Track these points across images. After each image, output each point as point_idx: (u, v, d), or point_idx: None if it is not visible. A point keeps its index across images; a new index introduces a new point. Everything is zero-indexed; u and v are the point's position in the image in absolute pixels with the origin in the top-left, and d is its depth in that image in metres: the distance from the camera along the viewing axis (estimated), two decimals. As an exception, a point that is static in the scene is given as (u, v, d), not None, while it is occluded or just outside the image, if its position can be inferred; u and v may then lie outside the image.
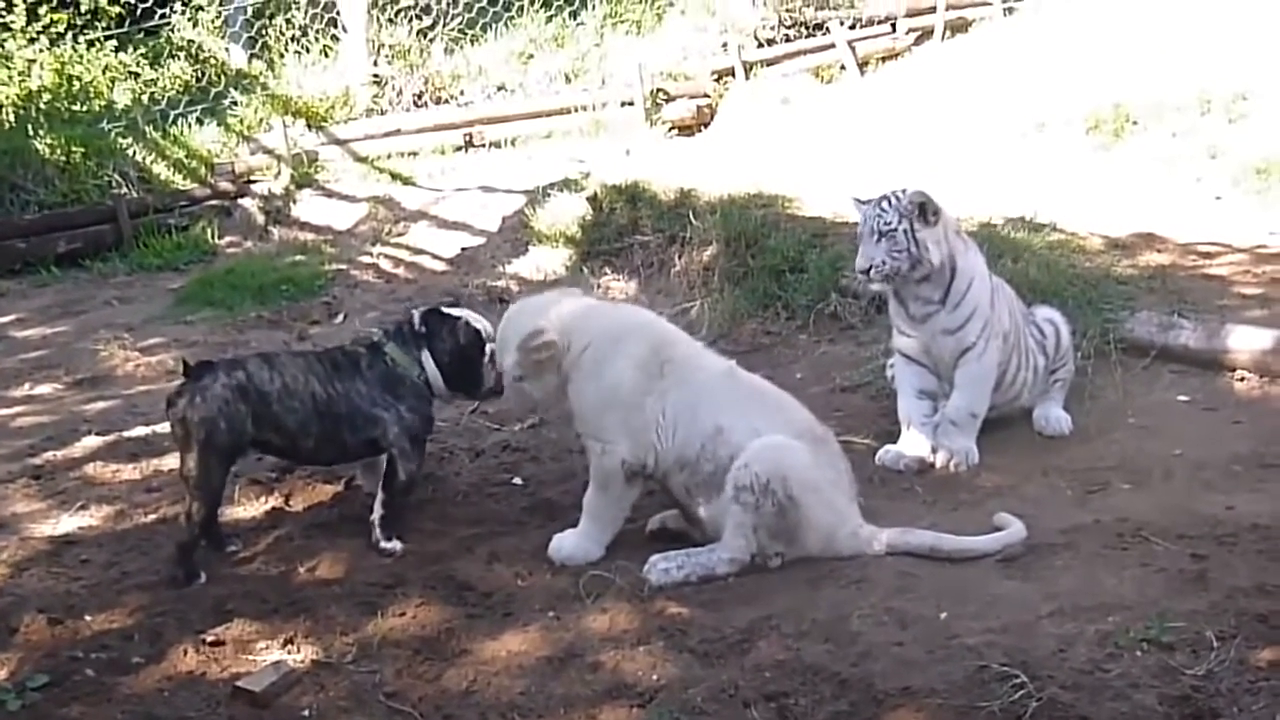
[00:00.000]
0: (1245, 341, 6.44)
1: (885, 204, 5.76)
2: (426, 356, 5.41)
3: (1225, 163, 9.70)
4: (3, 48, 14.02)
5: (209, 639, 4.55)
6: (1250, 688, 3.74)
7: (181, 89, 14.07)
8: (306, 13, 14.57)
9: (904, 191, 5.79)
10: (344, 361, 5.36)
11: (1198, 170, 9.77)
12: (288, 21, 14.58)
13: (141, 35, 15.03)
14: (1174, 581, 4.44)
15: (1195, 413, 6.19)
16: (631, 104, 13.23)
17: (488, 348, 5.42)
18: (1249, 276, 7.58)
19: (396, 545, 5.22)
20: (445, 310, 5.57)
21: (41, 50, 14.02)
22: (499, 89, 14.09)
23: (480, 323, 5.53)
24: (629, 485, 5.07)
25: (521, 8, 15.25)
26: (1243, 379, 6.39)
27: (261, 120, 13.22)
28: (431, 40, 14.50)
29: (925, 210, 5.73)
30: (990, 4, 15.59)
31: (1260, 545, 4.66)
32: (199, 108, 13.32)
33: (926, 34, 15.35)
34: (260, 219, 12.08)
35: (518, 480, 6.00)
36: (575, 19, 15.13)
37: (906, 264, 5.73)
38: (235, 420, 5.06)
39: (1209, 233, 8.47)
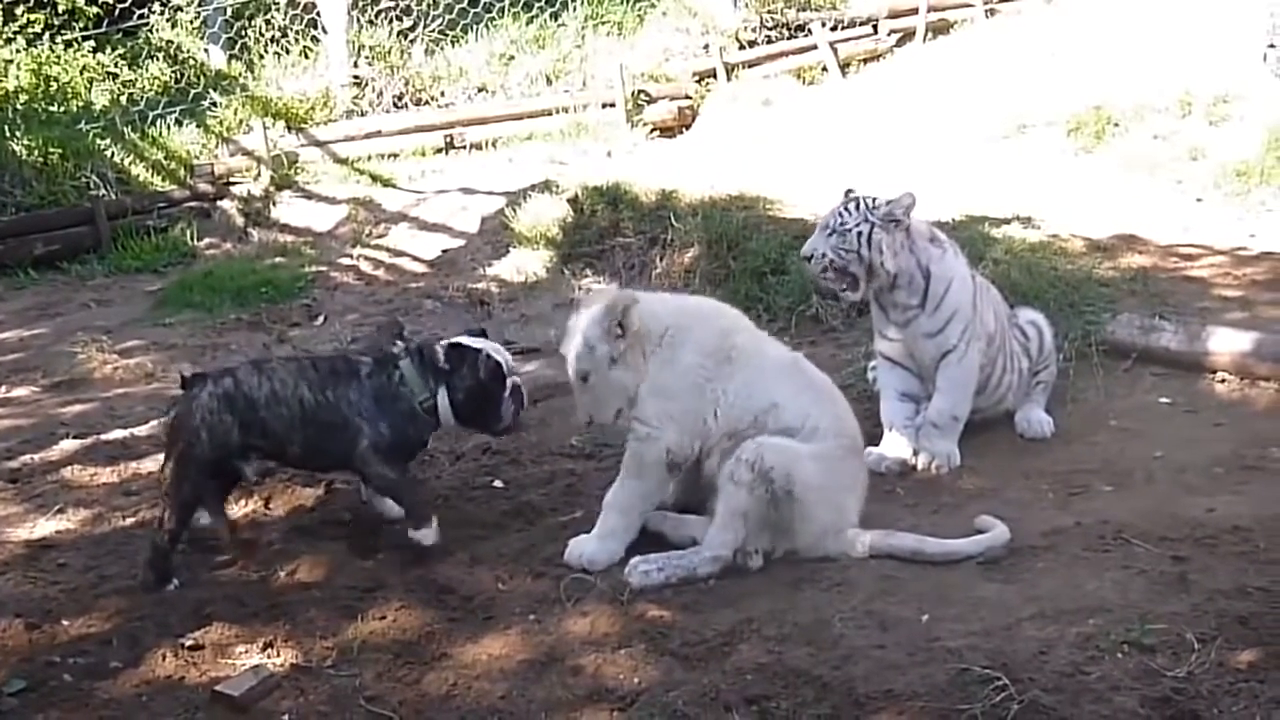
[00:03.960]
0: (1226, 344, 6.46)
1: (852, 205, 5.83)
2: (443, 389, 5.21)
3: (1206, 165, 9.75)
4: (-21, 48, 13.97)
5: (188, 643, 4.52)
6: (1230, 689, 3.76)
7: (160, 90, 13.98)
8: (286, 13, 14.51)
9: (867, 196, 5.86)
10: (343, 368, 5.25)
11: (1179, 172, 9.80)
12: (267, 22, 14.51)
13: (119, 36, 14.93)
14: (1155, 584, 4.45)
15: (1176, 415, 6.20)
16: (613, 105, 13.22)
17: (509, 381, 5.27)
18: (1229, 278, 7.60)
19: (427, 532, 5.10)
20: (468, 343, 5.32)
21: (18, 51, 13.98)
22: (480, 90, 14.05)
23: (502, 355, 5.32)
24: (668, 477, 5.03)
25: (502, 9, 15.23)
26: (1224, 381, 6.41)
27: (241, 121, 13.16)
28: (412, 41, 14.45)
29: (889, 218, 5.76)
30: (972, 5, 15.58)
31: (1241, 547, 4.68)
32: (178, 109, 13.25)
33: (908, 35, 15.35)
34: (240, 221, 12.03)
35: (498, 483, 5.97)
36: (556, 20, 15.10)
37: (856, 265, 5.78)
38: (218, 430, 5.02)
39: (1190, 235, 8.50)
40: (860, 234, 5.74)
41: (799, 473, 4.78)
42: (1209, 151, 9.85)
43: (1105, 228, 8.45)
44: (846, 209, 5.82)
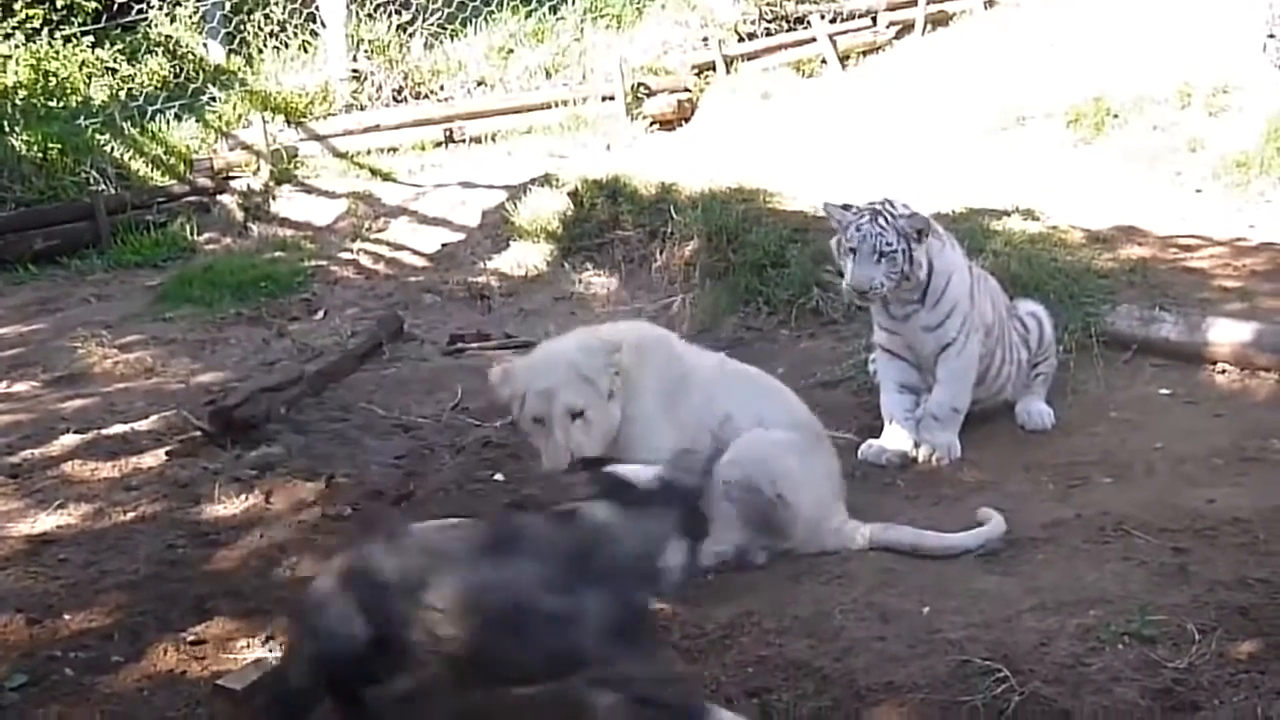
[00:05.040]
0: (1226, 335, 6.46)
1: (883, 221, 5.72)
2: None
3: (1205, 156, 9.73)
4: (-23, 44, 13.94)
5: (189, 638, 4.52)
6: (1231, 680, 3.76)
7: (159, 85, 13.95)
8: (285, 8, 14.46)
9: (895, 206, 5.80)
10: None
11: (1178, 163, 9.79)
12: (266, 17, 14.47)
13: (118, 31, 14.89)
14: (1155, 575, 4.45)
15: (1176, 406, 6.21)
16: (612, 99, 13.19)
17: None
18: (1229, 269, 7.60)
19: None
20: None
21: (17, 46, 13.91)
22: (479, 84, 14.02)
23: None
24: None
25: (501, 2, 15.19)
26: (1224, 372, 6.41)
27: (240, 116, 13.13)
28: (411, 35, 14.41)
29: (923, 234, 5.73)
30: (971, -4, 15.58)
31: (1241, 538, 4.69)
32: (177, 104, 13.22)
33: (907, 27, 15.31)
34: (239, 215, 12.01)
35: (499, 476, 5.97)
36: (555, 14, 15.06)
37: (899, 281, 5.74)
38: None
39: (1189, 226, 8.50)
40: (903, 251, 5.70)
41: (782, 474, 4.79)
42: (1208, 142, 9.84)
43: (1105, 219, 8.44)
44: (881, 226, 5.71)
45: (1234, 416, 5.99)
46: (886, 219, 5.71)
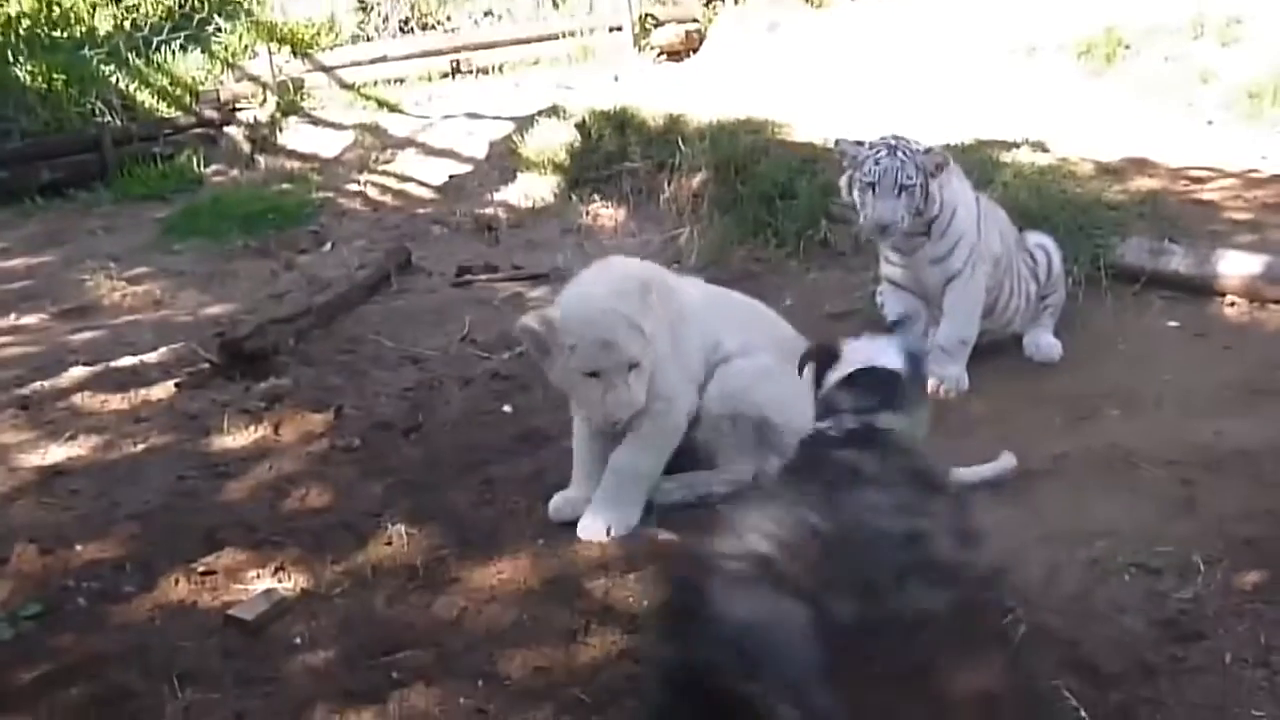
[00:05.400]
0: (1235, 267, 6.43)
1: (902, 155, 5.67)
2: None
3: (1217, 87, 9.65)
4: (-21, -27, 13.86)
5: (200, 568, 4.54)
6: (1235, 610, 3.79)
7: (164, 15, 13.87)
8: (291, -64, 14.38)
9: (912, 142, 5.75)
10: None
11: (1189, 95, 9.71)
12: (271, -55, 14.39)
13: (122, -41, 14.83)
14: (1162, 507, 4.46)
15: (1185, 339, 6.19)
16: (620, 29, 13.10)
17: None
18: (1240, 201, 7.55)
19: None
20: None
21: (20, -25, 13.87)
22: (486, 15, 13.93)
23: None
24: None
25: (509, -68, 15.07)
26: (1233, 304, 6.39)
27: (246, 47, 13.09)
28: (418, -36, 14.33)
29: (940, 168, 5.70)
30: (982, -74, 15.39)
31: (1248, 470, 4.69)
32: (183, 34, 13.17)
33: (917, -43, 15.17)
34: (246, 147, 12.00)
35: (507, 408, 5.97)
36: (563, -57, 14.95)
37: (915, 218, 5.72)
38: None
39: (1200, 157, 8.43)
40: (920, 186, 5.66)
41: (766, 399, 4.81)
42: (1220, 73, 9.75)
43: (1115, 151, 8.38)
44: (901, 160, 5.66)
45: (1242, 349, 5.97)
46: (905, 153, 5.68)
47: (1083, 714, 3.35)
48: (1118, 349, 6.15)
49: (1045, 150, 8.16)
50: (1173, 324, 6.33)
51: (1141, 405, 5.46)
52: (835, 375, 3.55)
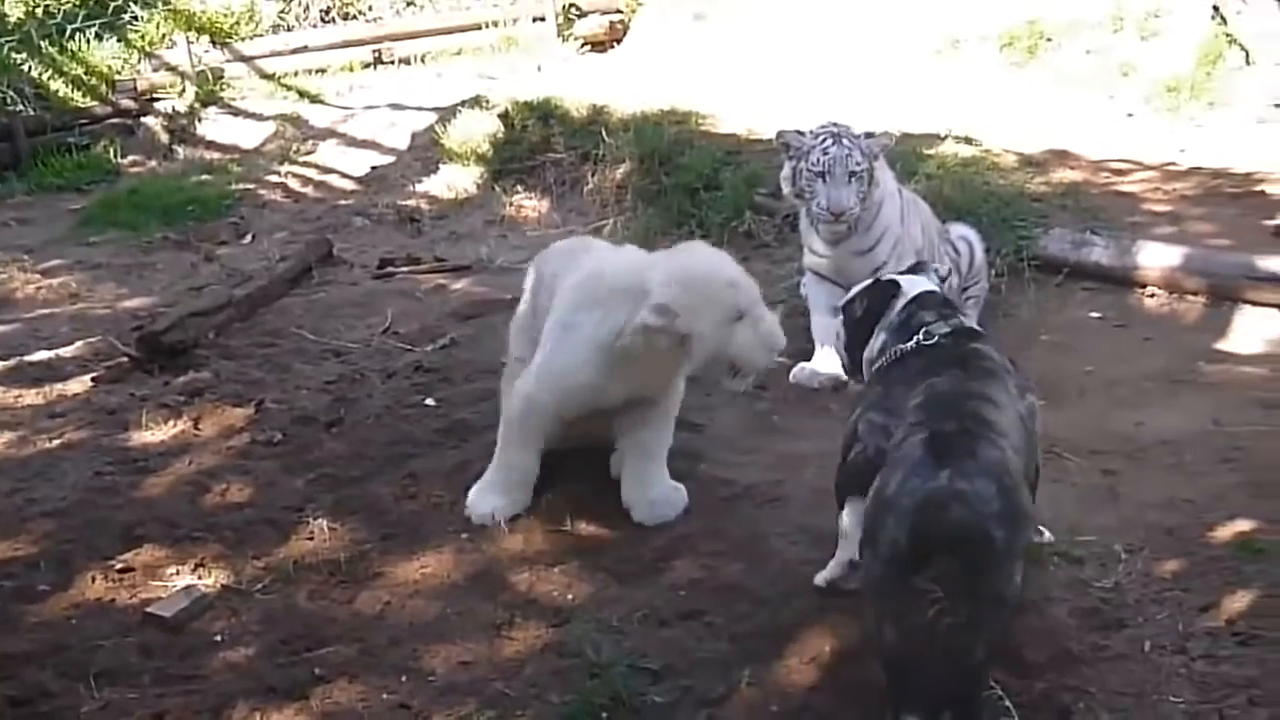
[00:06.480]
0: (1155, 258, 6.50)
1: (847, 142, 5.72)
2: None
3: (1137, 80, 9.78)
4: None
5: (118, 565, 4.48)
6: (1156, 598, 3.86)
7: (79, 3, 13.63)
8: (209, -77, 14.19)
9: (852, 128, 5.80)
10: None
11: (1111, 87, 9.83)
12: (189, -68, 14.19)
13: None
14: (1085, 497, 4.54)
15: (1107, 329, 6.26)
16: (543, 19, 13.04)
17: None
18: (1159, 193, 7.65)
19: None
20: None
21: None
22: (408, 4, 13.83)
23: None
24: None
25: (431, -79, 14.97)
26: (1153, 296, 6.47)
27: (164, 36, 12.90)
28: (339, -47, 14.19)
29: (881, 152, 5.77)
30: (906, -82, 15.46)
31: (1169, 460, 4.78)
32: (97, 22, 12.94)
33: (841, -50, 15.22)
34: (164, 138, 11.86)
35: (430, 401, 5.92)
36: (486, -68, 14.86)
37: (863, 200, 5.77)
38: None
39: (1121, 150, 8.54)
40: (867, 172, 5.72)
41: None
42: (1140, 66, 9.88)
43: (1037, 143, 8.46)
44: (849, 149, 5.71)
45: (1163, 340, 6.05)
46: (849, 140, 5.72)
47: (1007, 703, 3.37)
48: (1040, 340, 6.20)
49: (969, 142, 8.21)
50: (1095, 315, 6.40)
51: (1064, 396, 5.50)
52: (900, 301, 3.96)
